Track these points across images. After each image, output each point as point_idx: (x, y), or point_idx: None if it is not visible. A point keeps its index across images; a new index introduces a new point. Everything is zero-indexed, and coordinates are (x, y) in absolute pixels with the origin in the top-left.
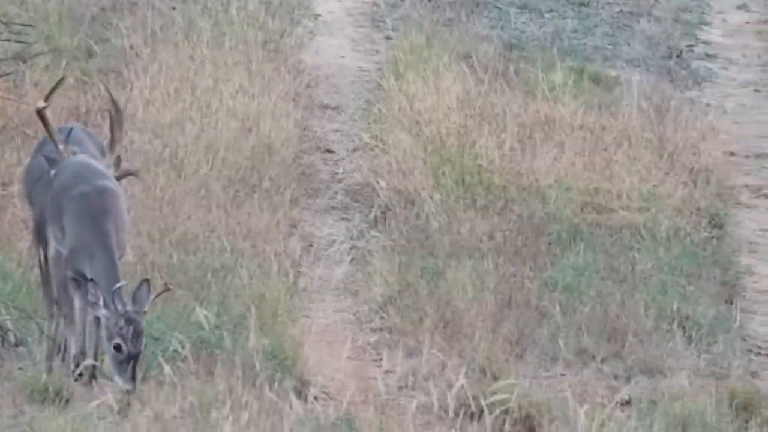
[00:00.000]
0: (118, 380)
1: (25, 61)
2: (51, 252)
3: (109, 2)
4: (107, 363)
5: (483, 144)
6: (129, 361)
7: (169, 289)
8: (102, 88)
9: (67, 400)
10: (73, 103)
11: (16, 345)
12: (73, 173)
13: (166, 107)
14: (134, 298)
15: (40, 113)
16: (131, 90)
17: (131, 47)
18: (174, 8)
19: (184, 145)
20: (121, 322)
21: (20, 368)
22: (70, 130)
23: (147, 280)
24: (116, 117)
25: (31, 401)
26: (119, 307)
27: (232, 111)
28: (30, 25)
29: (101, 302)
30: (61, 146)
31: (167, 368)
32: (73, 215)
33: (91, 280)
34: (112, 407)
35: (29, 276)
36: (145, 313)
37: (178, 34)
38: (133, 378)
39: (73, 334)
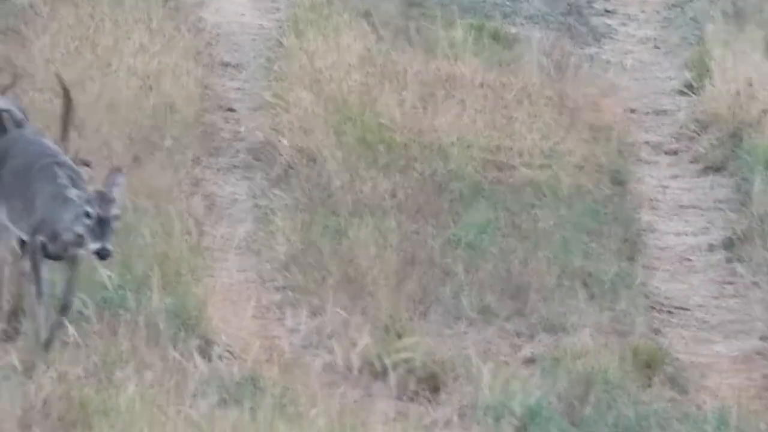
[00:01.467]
0: (90, 244)
1: None
2: None
3: None
4: (83, 236)
5: (384, 102)
6: (99, 225)
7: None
8: (54, 72)
9: None
10: None
11: None
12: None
13: (66, 66)
14: (106, 181)
15: None
16: (31, 49)
17: (30, 5)
18: None
19: (85, 104)
20: (92, 193)
21: None
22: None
23: (119, 168)
24: (67, 105)
25: None
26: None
27: (133, 69)
28: None
29: (70, 183)
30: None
31: (71, 329)
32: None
33: (58, 163)
34: (16, 368)
35: None
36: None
37: None
38: (104, 238)
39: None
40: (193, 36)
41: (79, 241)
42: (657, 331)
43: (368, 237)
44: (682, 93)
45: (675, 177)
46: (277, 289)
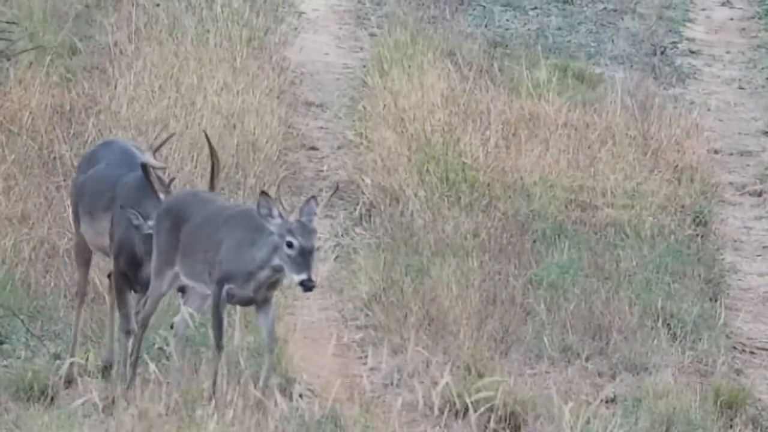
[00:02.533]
0: (293, 275)
1: (9, 59)
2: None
3: None
4: (285, 269)
5: (467, 141)
6: (302, 256)
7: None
8: (204, 136)
9: (52, 398)
10: (57, 100)
11: (0, 342)
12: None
13: (150, 104)
14: (302, 211)
15: (146, 169)
16: (115, 87)
17: (115, 44)
18: (158, 5)
19: (169, 142)
20: (292, 223)
21: (5, 366)
22: (172, 180)
23: (314, 197)
24: (213, 160)
25: (15, 399)
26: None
27: (217, 108)
28: (14, 23)
29: (274, 212)
30: (162, 195)
31: (152, 366)
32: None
33: (264, 192)
34: (96, 405)
35: (13, 273)
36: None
37: (163, 31)
38: (309, 269)
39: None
40: (276, 75)
41: (277, 277)
42: (739, 372)
43: (450, 276)
44: (766, 134)
45: (759, 218)
46: (358, 327)
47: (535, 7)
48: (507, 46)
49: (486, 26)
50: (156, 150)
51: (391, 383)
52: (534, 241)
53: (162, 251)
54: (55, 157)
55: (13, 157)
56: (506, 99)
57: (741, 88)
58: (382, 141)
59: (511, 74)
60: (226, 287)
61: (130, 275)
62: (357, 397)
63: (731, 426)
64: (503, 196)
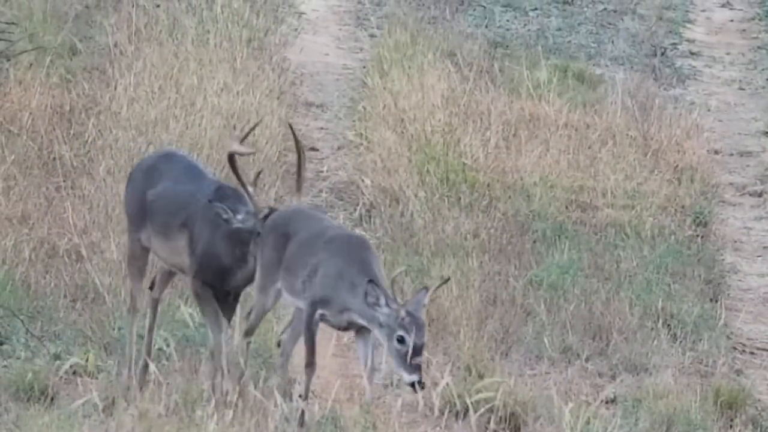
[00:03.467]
0: (404, 374)
1: (9, 59)
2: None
3: (93, 0)
4: (391, 361)
5: (468, 142)
6: (414, 355)
7: (448, 279)
8: (290, 128)
9: (52, 399)
10: (57, 101)
11: (0, 343)
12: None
13: (150, 105)
14: (412, 301)
15: (232, 159)
16: (115, 88)
17: (115, 45)
18: (158, 6)
19: (169, 142)
20: (403, 315)
21: (5, 366)
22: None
23: (426, 288)
24: (300, 158)
25: (15, 399)
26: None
27: (217, 109)
28: (14, 23)
29: (382, 301)
30: (252, 190)
31: (152, 366)
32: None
33: (371, 281)
34: (96, 405)
35: (13, 273)
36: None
37: (163, 31)
38: (420, 371)
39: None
40: (277, 75)
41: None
42: (739, 372)
43: (450, 277)
44: (766, 134)
45: (759, 219)
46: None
47: (536, 8)
48: (507, 46)
49: (486, 27)
50: (243, 139)
51: (391, 384)
52: (534, 242)
53: (266, 266)
54: (55, 158)
55: (13, 157)
56: (506, 99)
57: (741, 89)
58: (382, 142)
59: (512, 75)
60: (319, 311)
61: (217, 286)
62: (357, 397)
63: (731, 426)
64: (503, 197)
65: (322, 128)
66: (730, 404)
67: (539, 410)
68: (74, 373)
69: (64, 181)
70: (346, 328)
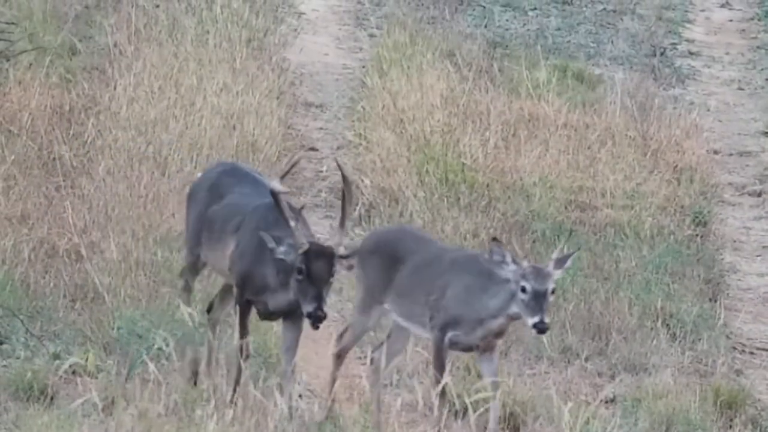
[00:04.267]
0: (527, 318)
1: (8, 59)
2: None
3: (93, 0)
4: (519, 309)
5: (467, 142)
6: (535, 299)
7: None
8: (336, 163)
9: (52, 398)
10: (57, 101)
11: (0, 342)
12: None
13: (150, 105)
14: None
15: (275, 196)
16: (115, 88)
17: (115, 45)
18: (158, 6)
19: (168, 142)
20: (527, 267)
21: (4, 366)
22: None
23: (570, 253)
24: (347, 194)
25: (15, 399)
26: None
27: (216, 109)
28: (13, 23)
29: (508, 258)
30: (293, 225)
31: (152, 366)
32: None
33: (495, 239)
34: (96, 405)
35: (13, 273)
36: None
37: (162, 32)
38: (542, 311)
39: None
40: (276, 76)
41: (508, 324)
42: (739, 372)
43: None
44: (765, 134)
45: (758, 218)
46: None
47: (535, 8)
48: (506, 46)
49: (485, 27)
50: (284, 176)
51: (391, 383)
52: (533, 242)
53: (370, 287)
54: (54, 158)
55: (12, 157)
56: (506, 99)
57: (740, 88)
58: (381, 142)
59: (511, 75)
60: (450, 334)
61: (255, 303)
62: (356, 397)
63: (731, 426)
64: (503, 197)
65: (321, 128)
66: (730, 404)
67: (538, 410)
68: (74, 372)
69: (63, 180)
70: (471, 349)
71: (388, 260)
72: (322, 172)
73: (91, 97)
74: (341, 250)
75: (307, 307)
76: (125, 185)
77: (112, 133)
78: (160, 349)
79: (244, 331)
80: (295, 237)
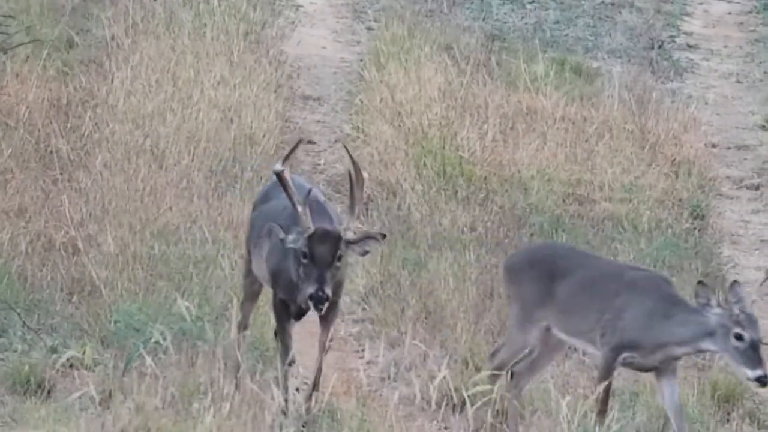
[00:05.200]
0: (747, 371)
1: (5, 52)
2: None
3: None
4: (729, 360)
5: (465, 135)
6: (753, 349)
7: None
8: (344, 149)
9: (49, 391)
10: (54, 94)
11: None
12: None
13: (147, 98)
14: (732, 297)
15: (280, 176)
16: (112, 81)
17: (112, 38)
18: None
19: (166, 135)
20: (737, 312)
21: (1, 359)
22: (309, 191)
23: (737, 282)
24: (357, 179)
25: (12, 392)
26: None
27: (214, 102)
28: (11, 16)
29: (713, 301)
30: (301, 209)
31: (149, 359)
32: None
33: (701, 282)
34: (93, 398)
35: (10, 266)
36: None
37: (160, 25)
38: (762, 365)
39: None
40: (274, 69)
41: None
42: None
43: (447, 270)
44: (764, 128)
45: (756, 212)
46: (355, 321)
47: (533, 1)
48: (504, 39)
49: (483, 20)
50: (286, 158)
51: (388, 377)
52: (531, 235)
53: (527, 303)
54: (51, 151)
55: (9, 150)
56: (503, 93)
57: (738, 82)
58: (379, 135)
59: (509, 68)
60: (624, 355)
61: (289, 302)
62: (354, 391)
63: (728, 420)
64: (500, 190)
65: (318, 121)
66: (728, 398)
67: (536, 403)
68: (71, 366)
69: (60, 174)
70: (648, 369)
71: (546, 276)
72: (320, 165)
73: (89, 90)
74: (350, 235)
75: (309, 289)
76: (122, 178)
77: (109, 126)
78: (157, 342)
79: (282, 331)
80: (302, 222)
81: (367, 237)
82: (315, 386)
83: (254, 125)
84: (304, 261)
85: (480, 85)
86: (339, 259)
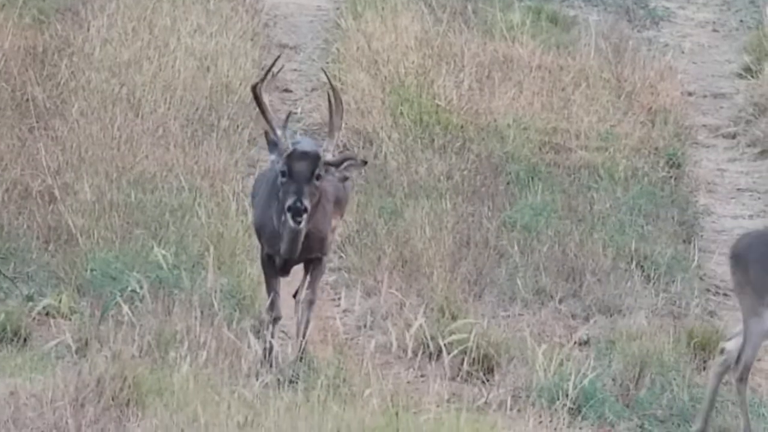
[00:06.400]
0: None
1: None
2: None
3: None
4: None
5: (441, 84)
6: None
7: None
8: (324, 75)
9: (25, 340)
10: (30, 42)
11: None
12: None
13: (123, 46)
14: None
15: (255, 92)
16: (88, 29)
17: None
18: None
19: (142, 84)
20: None
21: None
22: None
23: None
24: (335, 103)
25: None
26: None
27: (190, 50)
28: None
29: None
30: (278, 130)
31: (125, 308)
32: None
33: None
34: (70, 346)
35: None
36: None
37: None
38: None
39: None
40: (250, 17)
41: None
42: (712, 314)
43: (424, 219)
44: (740, 76)
45: (732, 160)
46: (332, 270)
47: None
48: None
49: None
50: (264, 76)
51: (365, 325)
52: (507, 183)
53: (759, 290)
54: (28, 99)
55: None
56: (480, 41)
57: (715, 30)
58: (355, 83)
59: (485, 17)
60: None
61: (274, 256)
62: (330, 339)
63: (704, 368)
64: (477, 139)
65: (295, 70)
66: (703, 345)
67: (512, 352)
68: (47, 314)
69: (36, 122)
70: None
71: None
72: (296, 113)
73: (65, 38)
74: (329, 157)
75: (287, 202)
76: (99, 127)
77: (85, 75)
78: (133, 291)
79: (269, 287)
80: (281, 144)
81: (347, 159)
82: (303, 343)
83: (230, 74)
84: (284, 180)
85: (456, 33)
86: (317, 177)
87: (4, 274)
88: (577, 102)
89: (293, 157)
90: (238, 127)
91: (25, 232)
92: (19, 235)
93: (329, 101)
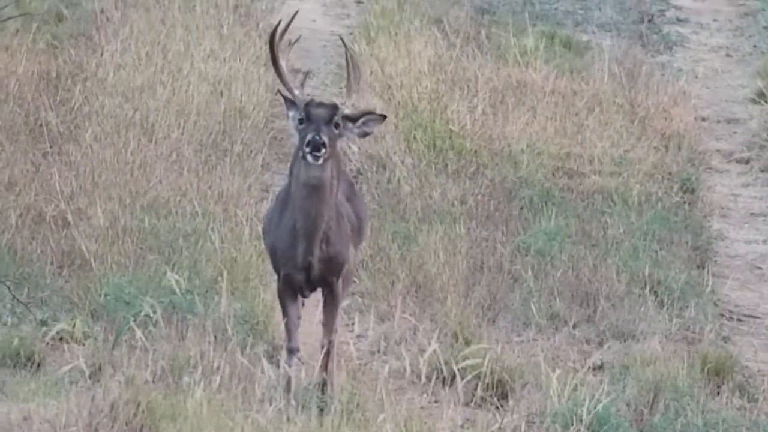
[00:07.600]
0: None
1: None
2: None
3: None
4: None
5: (455, 108)
6: None
7: None
8: (343, 44)
9: (39, 365)
10: (44, 67)
11: None
12: None
13: (137, 71)
14: None
15: (272, 47)
16: (102, 54)
17: (102, 11)
18: None
19: (155, 109)
20: None
21: None
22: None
23: None
24: (353, 64)
25: (2, 366)
26: None
27: (204, 75)
28: None
29: None
30: (296, 90)
31: (139, 333)
32: None
33: None
34: (83, 371)
35: (0, 240)
36: None
37: None
38: None
39: None
40: (263, 42)
41: None
42: (726, 339)
43: (437, 243)
44: (753, 101)
45: (746, 185)
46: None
47: None
48: (494, 13)
49: None
50: (283, 32)
51: (378, 350)
52: (521, 208)
53: None
54: (41, 124)
55: None
56: (493, 66)
57: (728, 55)
58: (369, 108)
59: (498, 42)
60: None
61: (293, 273)
62: (344, 364)
63: (719, 393)
64: (490, 163)
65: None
66: (717, 371)
67: (526, 377)
68: (61, 339)
69: (50, 147)
70: None
71: None
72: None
73: (78, 63)
74: (347, 111)
75: (306, 138)
76: (112, 151)
77: (99, 100)
78: (147, 315)
79: (286, 319)
80: (298, 99)
81: (367, 114)
82: (327, 374)
83: (244, 98)
84: (301, 127)
85: (470, 58)
86: (336, 126)
87: (18, 299)
88: (590, 127)
89: (311, 104)
90: (251, 152)
91: (39, 257)
92: (32, 260)
93: (347, 62)
